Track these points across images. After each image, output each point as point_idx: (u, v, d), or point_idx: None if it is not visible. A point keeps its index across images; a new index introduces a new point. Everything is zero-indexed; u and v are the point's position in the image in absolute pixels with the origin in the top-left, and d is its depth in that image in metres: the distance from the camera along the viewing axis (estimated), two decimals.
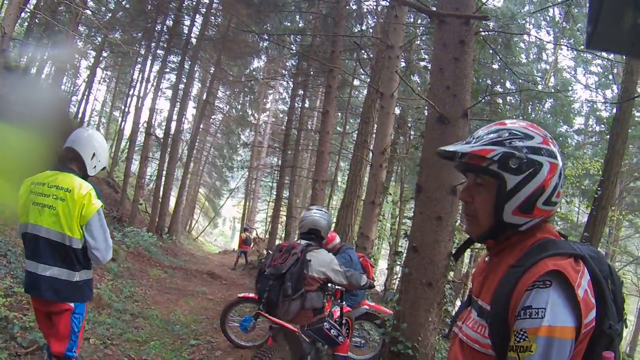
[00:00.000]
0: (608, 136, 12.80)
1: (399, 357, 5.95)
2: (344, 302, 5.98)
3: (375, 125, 14.22)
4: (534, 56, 20.13)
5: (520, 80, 14.87)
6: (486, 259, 1.81)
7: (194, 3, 26.99)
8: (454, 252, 5.39)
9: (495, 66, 16.50)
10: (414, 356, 5.84)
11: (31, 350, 6.28)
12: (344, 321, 5.97)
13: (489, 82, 16.83)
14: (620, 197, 19.89)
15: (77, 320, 3.83)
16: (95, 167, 4.07)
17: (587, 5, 1.30)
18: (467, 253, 17.75)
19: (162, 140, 27.95)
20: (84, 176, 3.97)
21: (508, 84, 18.61)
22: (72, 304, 3.77)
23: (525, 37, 18.42)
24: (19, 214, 3.82)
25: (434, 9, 7.77)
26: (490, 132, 1.69)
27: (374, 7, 18.64)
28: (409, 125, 19.84)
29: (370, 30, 19.46)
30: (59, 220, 3.67)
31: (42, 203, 3.71)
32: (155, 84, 28.61)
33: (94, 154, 4.03)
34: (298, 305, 4.60)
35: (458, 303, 15.58)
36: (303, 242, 4.85)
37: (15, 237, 10.17)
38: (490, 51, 12.73)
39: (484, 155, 1.61)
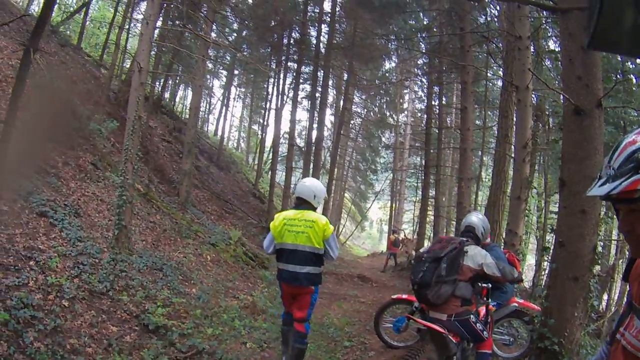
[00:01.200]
0: None
1: (545, 353, 5.91)
2: (490, 301, 6.02)
3: (515, 119, 13.91)
4: None
5: None
6: None
7: (317, 14, 27.48)
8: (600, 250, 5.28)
9: None
10: (560, 352, 5.78)
11: (190, 355, 6.91)
12: (488, 319, 6.02)
13: (619, 58, 15.77)
14: None
15: (314, 297, 6.12)
16: (318, 202, 6.30)
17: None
18: (613, 244, 16.73)
19: (304, 149, 28.78)
20: (315, 209, 6.23)
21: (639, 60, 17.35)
22: (314, 287, 6.05)
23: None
24: (274, 237, 6.03)
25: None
26: (628, 159, 1.54)
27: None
28: (547, 113, 19.01)
29: (496, 22, 18.88)
30: (311, 239, 5.89)
31: (296, 230, 5.95)
32: (291, 95, 29.50)
33: (314, 196, 6.21)
34: (449, 290, 4.87)
35: (605, 297, 14.66)
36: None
37: (168, 252, 11.08)
38: None
39: (632, 189, 1.51)
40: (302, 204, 6.17)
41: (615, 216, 1.82)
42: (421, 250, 5.61)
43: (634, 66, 15.78)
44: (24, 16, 15.42)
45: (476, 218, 5.70)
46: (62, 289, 6.76)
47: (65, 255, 7.67)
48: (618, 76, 14.26)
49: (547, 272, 15.41)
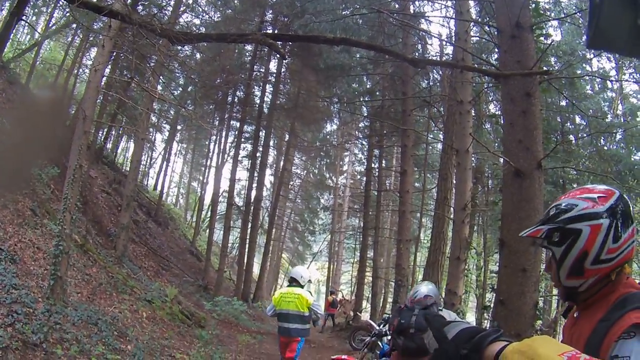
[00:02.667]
0: None
1: None
2: None
3: (454, 181, 14.28)
4: (599, 87, 19.69)
5: (589, 115, 14.67)
6: (575, 314, 1.94)
7: (263, 73, 27.82)
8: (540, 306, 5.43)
9: (563, 103, 16.28)
10: None
11: None
12: None
13: (558, 119, 16.59)
14: None
15: (300, 344, 8.51)
16: (304, 282, 8.90)
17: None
18: (554, 298, 17.18)
19: (243, 209, 28.63)
20: (302, 286, 8.75)
21: (577, 119, 18.27)
22: (300, 338, 8.45)
23: (588, 68, 18.16)
24: (275, 305, 8.51)
25: (495, 63, 7.96)
26: (549, 210, 1.93)
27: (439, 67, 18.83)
28: (487, 175, 19.64)
29: (438, 86, 19.57)
30: (297, 306, 8.33)
31: (287, 300, 8.40)
32: (232, 154, 29.51)
33: (301, 277, 8.84)
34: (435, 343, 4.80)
35: None
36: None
37: (104, 306, 10.73)
38: (556, 92, 12.69)
39: (536, 235, 1.91)
40: (293, 282, 8.77)
41: None
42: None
43: (573, 127, 16.57)
44: None
45: (426, 288, 5.82)
46: None
47: None
48: (558, 137, 14.91)
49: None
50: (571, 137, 16.81)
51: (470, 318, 21.00)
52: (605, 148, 18.47)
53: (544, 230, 1.87)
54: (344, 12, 20.66)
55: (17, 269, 8.88)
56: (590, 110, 15.92)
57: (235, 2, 25.58)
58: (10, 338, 6.72)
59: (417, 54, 19.12)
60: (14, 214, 10.87)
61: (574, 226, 1.79)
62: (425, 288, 5.79)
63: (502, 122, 8.31)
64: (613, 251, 1.76)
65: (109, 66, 16.32)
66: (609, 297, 1.77)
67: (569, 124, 17.71)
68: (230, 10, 24.95)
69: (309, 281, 11.22)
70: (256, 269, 31.97)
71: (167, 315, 13.34)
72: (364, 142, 32.10)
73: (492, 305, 9.11)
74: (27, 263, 9.65)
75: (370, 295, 24.91)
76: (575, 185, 14.51)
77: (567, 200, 1.88)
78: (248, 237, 26.11)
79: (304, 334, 8.51)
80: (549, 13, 13.46)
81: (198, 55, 25.29)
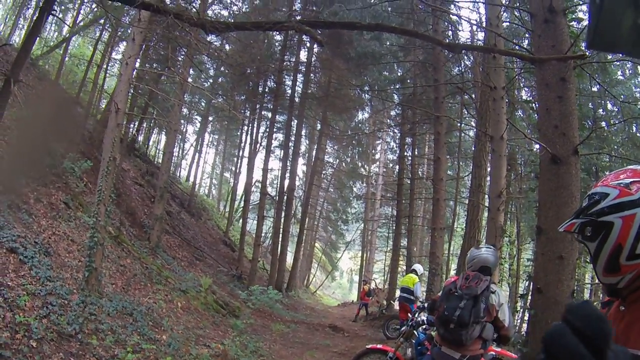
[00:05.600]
0: None
1: None
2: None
3: (489, 169, 14.06)
4: (630, 72, 19.21)
5: (620, 100, 14.32)
6: (620, 307, 1.74)
7: (293, 63, 27.82)
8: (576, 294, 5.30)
9: (595, 89, 15.95)
10: None
11: None
12: None
13: (590, 105, 16.24)
14: None
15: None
16: (417, 273, 13.82)
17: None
18: (587, 287, 16.93)
19: (276, 198, 28.72)
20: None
21: (609, 106, 17.90)
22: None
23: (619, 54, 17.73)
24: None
25: (527, 48, 7.78)
26: (584, 201, 1.79)
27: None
28: (520, 162, 19.36)
29: (469, 72, 19.29)
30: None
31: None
32: (264, 144, 29.57)
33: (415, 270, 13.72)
34: (479, 331, 4.65)
35: None
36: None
37: (139, 297, 10.82)
38: (588, 78, 12.39)
39: (570, 230, 1.75)
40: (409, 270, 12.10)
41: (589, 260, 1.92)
42: (446, 284, 5.27)
43: (605, 113, 16.24)
44: (4, 45, 15.32)
45: (493, 257, 5.16)
46: (31, 329, 6.50)
47: (34, 294, 7.42)
48: (590, 123, 14.62)
49: (519, 318, 15.39)
50: (603, 123, 16.45)
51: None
52: (638, 134, 18.08)
53: (577, 225, 1.73)
54: (372, 0, 20.46)
55: (51, 262, 8.99)
56: (622, 96, 15.52)
57: None
58: (45, 329, 6.80)
59: (448, 40, 18.86)
60: (48, 208, 11.03)
61: (605, 219, 1.64)
62: (481, 256, 5.14)
63: (536, 107, 8.15)
64: None
65: (139, 59, 16.43)
66: None
67: (601, 110, 17.35)
68: (258, 1, 24.90)
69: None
70: (289, 258, 32.07)
71: (202, 305, 13.44)
72: (396, 130, 31.87)
73: (527, 294, 8.98)
74: (62, 255, 9.76)
75: None
76: (607, 173, 14.24)
77: (599, 188, 1.73)
78: (281, 226, 26.27)
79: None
80: None
81: (228, 47, 25.25)
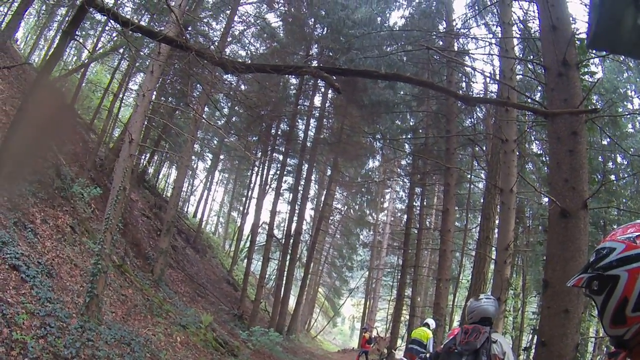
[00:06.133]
0: None
1: None
2: None
3: (497, 221, 14.00)
4: None
5: (630, 153, 14.33)
6: (627, 359, 1.76)
7: (307, 107, 28.04)
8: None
9: (605, 142, 16.02)
10: None
11: None
12: None
13: (600, 159, 16.27)
14: None
15: None
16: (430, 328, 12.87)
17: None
18: (591, 341, 16.70)
19: (282, 241, 28.63)
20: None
21: (619, 159, 17.93)
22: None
23: (629, 106, 17.88)
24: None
25: (539, 101, 7.84)
26: (591, 257, 1.80)
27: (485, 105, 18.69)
28: (528, 215, 19.32)
29: (481, 124, 19.42)
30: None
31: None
32: (273, 186, 29.62)
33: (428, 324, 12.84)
34: None
35: None
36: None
37: (138, 327, 10.71)
38: (599, 131, 12.46)
39: (578, 285, 1.78)
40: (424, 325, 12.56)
41: (595, 314, 1.93)
42: (446, 342, 5.16)
43: (614, 166, 16.24)
44: (25, 64, 15.57)
45: (492, 307, 5.07)
46: (27, 347, 6.44)
47: (33, 313, 7.36)
48: (599, 177, 14.63)
49: None
50: (612, 177, 16.48)
51: None
52: None
53: (585, 279, 1.76)
54: (388, 49, 20.71)
55: (53, 283, 8.96)
56: (632, 149, 15.59)
57: (282, 35, 25.97)
58: (41, 349, 6.73)
59: (461, 91, 19.03)
60: (54, 230, 11.04)
61: (611, 272, 1.66)
62: (481, 307, 5.00)
63: (546, 161, 8.18)
64: None
65: (155, 91, 16.68)
66: None
67: (610, 163, 17.40)
68: (276, 44, 25.27)
69: None
70: (292, 302, 31.79)
71: (201, 342, 13.31)
72: (405, 180, 32.00)
73: (531, 347, 8.85)
74: (64, 278, 9.73)
75: (405, 334, 24.51)
76: (615, 226, 14.22)
77: (607, 243, 1.74)
78: (286, 269, 26.11)
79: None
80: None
81: (243, 87, 25.57)
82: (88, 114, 24.61)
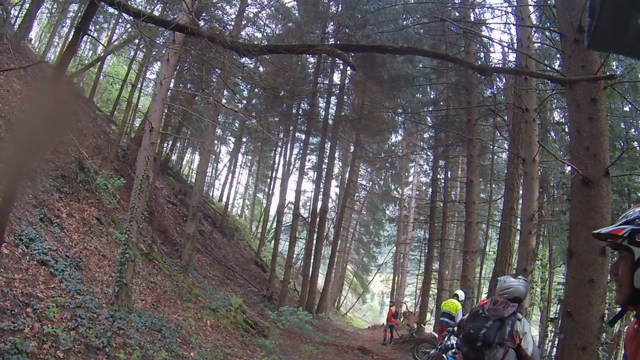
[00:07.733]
0: None
1: None
2: None
3: (521, 191, 13.91)
4: None
5: None
6: (635, 325, 1.89)
7: (327, 85, 28.05)
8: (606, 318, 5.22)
9: (627, 109, 15.67)
10: None
11: None
12: None
13: (622, 126, 15.94)
14: None
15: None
16: (459, 299, 13.03)
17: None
18: (617, 311, 16.53)
19: (308, 220, 28.73)
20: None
21: None
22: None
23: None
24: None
25: (558, 69, 7.73)
26: (629, 214, 1.88)
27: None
28: (552, 185, 19.09)
29: (502, 94, 19.17)
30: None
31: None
32: (297, 165, 29.67)
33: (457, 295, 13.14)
34: (501, 354, 4.55)
35: None
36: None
37: (168, 313, 10.87)
38: (619, 97, 12.20)
39: (617, 234, 1.84)
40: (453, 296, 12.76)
41: None
42: (475, 307, 5.19)
43: (637, 133, 15.93)
44: (40, 62, 15.74)
45: (525, 289, 5.15)
46: (58, 340, 6.58)
47: (63, 306, 7.52)
48: (622, 144, 14.38)
49: (549, 342, 15.06)
50: (635, 143, 16.15)
51: (535, 332, 20.45)
52: None
53: (627, 230, 1.82)
54: (404, 22, 20.49)
55: (82, 276, 9.14)
56: None
57: (297, 15, 25.85)
58: (73, 341, 6.87)
59: (479, 62, 18.78)
60: (80, 223, 11.23)
61: None
62: (515, 286, 5.12)
63: (568, 129, 8.08)
64: None
65: (173, 79, 16.75)
66: None
67: (633, 130, 17.04)
68: (291, 24, 25.14)
69: None
70: (320, 280, 31.96)
71: (231, 324, 13.45)
72: (429, 153, 31.83)
73: (558, 317, 8.81)
74: (92, 270, 9.91)
75: (434, 308, 24.55)
76: None
77: None
78: (313, 248, 26.18)
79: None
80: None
81: (261, 69, 25.53)
82: (108, 106, 24.86)
